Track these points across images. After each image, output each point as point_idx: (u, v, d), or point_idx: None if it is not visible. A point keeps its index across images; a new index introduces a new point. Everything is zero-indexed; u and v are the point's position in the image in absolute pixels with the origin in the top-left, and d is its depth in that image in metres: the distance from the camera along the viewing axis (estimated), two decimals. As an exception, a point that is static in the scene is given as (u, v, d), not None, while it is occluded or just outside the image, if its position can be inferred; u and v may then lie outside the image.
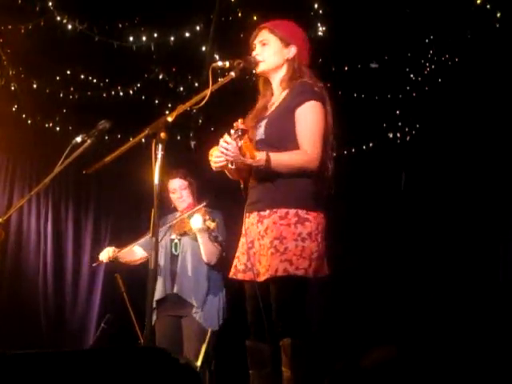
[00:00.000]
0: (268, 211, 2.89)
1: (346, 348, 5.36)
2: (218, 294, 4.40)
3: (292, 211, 2.85)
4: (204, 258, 4.32)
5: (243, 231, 3.00)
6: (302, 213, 2.85)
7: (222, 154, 2.75)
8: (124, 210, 6.43)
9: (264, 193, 2.92)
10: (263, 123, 2.97)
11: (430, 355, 5.13)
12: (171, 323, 4.41)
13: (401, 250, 5.78)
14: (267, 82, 3.11)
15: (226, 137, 2.73)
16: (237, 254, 3.05)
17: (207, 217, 4.24)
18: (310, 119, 2.90)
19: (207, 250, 4.31)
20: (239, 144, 2.69)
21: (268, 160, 2.77)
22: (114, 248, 4.53)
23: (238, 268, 3.00)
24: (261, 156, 2.77)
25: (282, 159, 2.83)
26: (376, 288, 5.77)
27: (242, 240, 3.01)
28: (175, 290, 4.36)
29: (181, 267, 4.39)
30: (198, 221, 4.23)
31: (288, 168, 2.84)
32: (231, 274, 3.04)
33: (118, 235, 4.81)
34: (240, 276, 2.98)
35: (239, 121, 2.72)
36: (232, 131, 2.72)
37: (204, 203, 4.36)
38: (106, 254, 4.49)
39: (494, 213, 5.35)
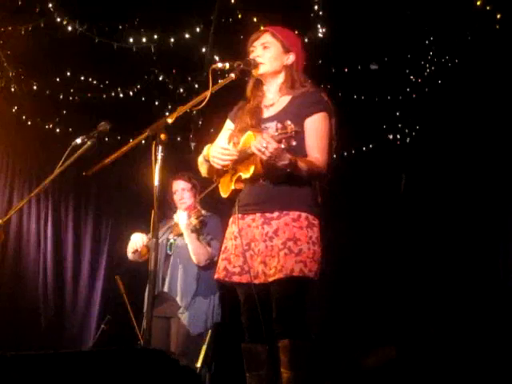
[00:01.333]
0: (277, 213, 2.89)
1: (346, 350, 5.36)
2: (209, 296, 4.39)
3: (303, 215, 2.88)
4: (193, 257, 4.33)
5: (235, 233, 2.98)
6: (310, 217, 2.90)
7: (257, 150, 2.68)
8: (124, 211, 6.43)
9: (270, 194, 2.91)
10: (271, 125, 2.95)
11: (430, 356, 5.13)
12: (161, 324, 4.40)
13: (401, 251, 5.78)
14: (258, 85, 3.12)
15: (266, 136, 2.67)
16: (225, 256, 3.02)
17: (193, 214, 4.28)
18: (321, 129, 2.95)
19: (194, 249, 4.31)
20: (281, 146, 2.64)
21: (295, 163, 2.77)
22: (145, 235, 4.44)
23: (232, 270, 2.97)
24: (289, 159, 2.74)
25: (303, 164, 2.83)
26: (376, 289, 5.77)
27: (234, 242, 2.98)
28: (165, 289, 4.37)
29: (172, 267, 4.40)
30: (182, 217, 4.29)
31: (307, 173, 2.86)
32: (222, 276, 3.00)
33: (118, 237, 4.80)
34: (236, 278, 2.96)
35: (288, 121, 2.65)
36: (270, 131, 2.66)
37: (197, 207, 4.40)
38: (140, 241, 4.43)
39: (493, 213, 5.36)
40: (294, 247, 2.83)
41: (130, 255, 4.55)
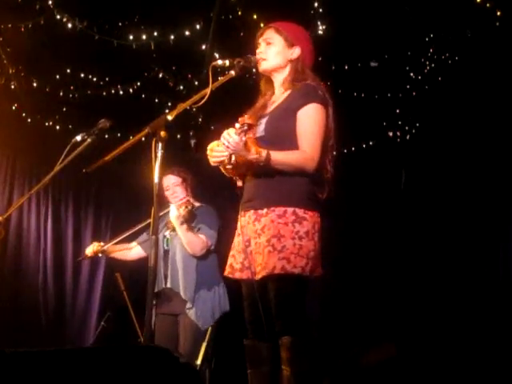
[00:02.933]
0: (265, 209, 2.89)
1: (345, 347, 5.36)
2: (213, 288, 4.40)
3: (290, 210, 2.85)
4: (187, 248, 4.35)
5: (238, 230, 3.00)
6: (299, 212, 2.86)
7: (224, 146, 2.74)
8: (124, 208, 6.43)
9: (261, 191, 2.92)
10: (264, 121, 2.98)
11: (429, 354, 5.14)
12: (168, 321, 4.43)
13: (400, 248, 5.78)
14: (269, 82, 3.12)
15: (230, 130, 2.74)
16: (232, 253, 3.05)
17: (182, 205, 4.31)
18: (311, 121, 2.91)
19: (187, 240, 4.33)
20: (243, 138, 2.70)
21: (268, 157, 2.77)
22: (98, 243, 4.70)
23: (235, 267, 3.00)
24: (262, 152, 2.77)
25: (281, 157, 2.83)
26: (375, 287, 5.77)
27: (238, 239, 3.01)
28: (168, 285, 4.39)
29: (171, 262, 4.43)
30: (172, 210, 4.31)
31: (287, 166, 2.85)
32: (227, 273, 3.05)
33: (118, 234, 4.80)
34: (237, 275, 2.98)
35: (245, 116, 2.72)
36: (237, 125, 2.74)
37: (187, 198, 4.47)
38: (90, 249, 4.68)
39: (493, 211, 5.36)
40: (277, 244, 2.82)
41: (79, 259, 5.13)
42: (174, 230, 4.46)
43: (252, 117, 3.01)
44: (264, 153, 2.77)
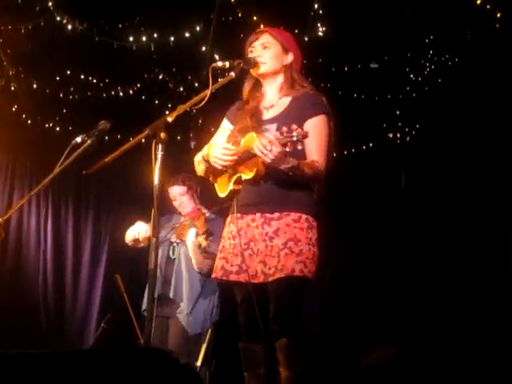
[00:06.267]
0: (277, 214, 2.90)
1: (345, 348, 5.36)
2: (209, 297, 4.41)
3: (304, 216, 2.91)
4: (195, 266, 4.32)
5: (233, 233, 2.98)
6: (310, 219, 2.93)
7: (260, 152, 2.68)
8: (124, 210, 6.42)
9: (270, 195, 2.92)
10: (273, 127, 2.96)
11: (430, 355, 5.14)
12: (158, 324, 4.38)
13: (401, 249, 5.78)
14: (257, 85, 3.12)
15: (274, 139, 2.65)
16: (222, 255, 3.01)
17: (202, 232, 4.15)
18: (321, 132, 2.95)
19: (197, 260, 4.29)
20: (286, 149, 2.63)
21: (298, 167, 2.77)
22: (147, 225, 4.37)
23: (229, 269, 2.97)
24: (293, 162, 2.75)
25: (306, 168, 2.84)
26: (376, 288, 5.76)
27: (233, 242, 2.98)
28: (170, 294, 4.36)
29: (176, 272, 4.39)
30: (190, 235, 4.23)
31: (309, 176, 2.88)
32: (219, 276, 2.99)
33: (118, 235, 4.80)
34: (233, 277, 2.95)
35: (294, 126, 2.63)
36: (279, 135, 2.64)
37: (207, 213, 4.35)
38: (143, 232, 4.34)
39: (493, 212, 5.36)
40: (294, 247, 2.84)
41: (128, 241, 4.47)
42: (182, 240, 4.39)
43: (250, 120, 3.01)
44: (293, 162, 2.75)
